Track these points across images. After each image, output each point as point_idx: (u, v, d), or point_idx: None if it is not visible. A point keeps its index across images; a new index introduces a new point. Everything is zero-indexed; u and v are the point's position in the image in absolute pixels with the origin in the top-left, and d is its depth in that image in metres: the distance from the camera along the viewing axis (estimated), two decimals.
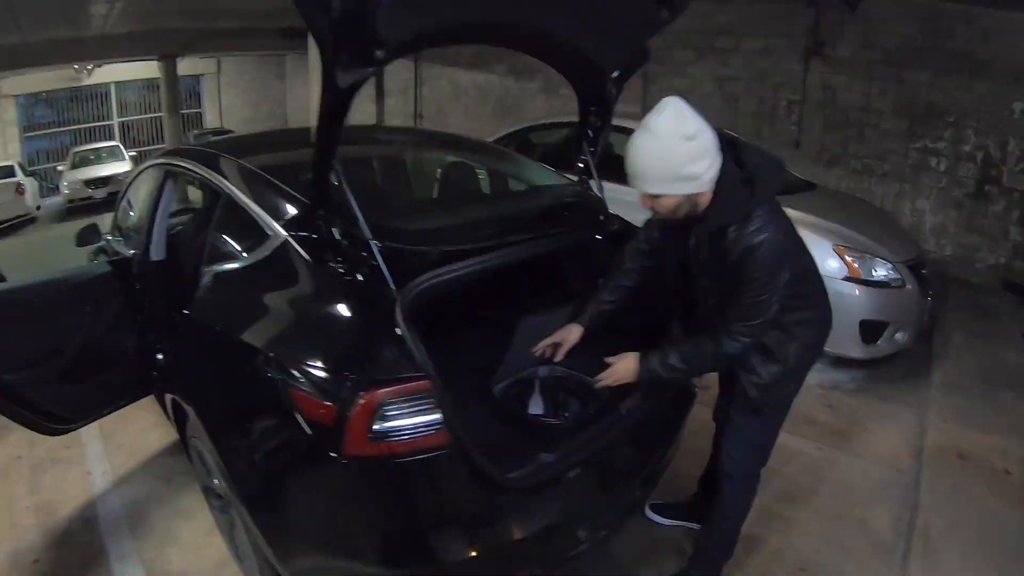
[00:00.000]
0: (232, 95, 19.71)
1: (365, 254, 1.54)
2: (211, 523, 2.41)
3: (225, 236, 2.02)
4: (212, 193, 2.30)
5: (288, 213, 1.77)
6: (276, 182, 1.89)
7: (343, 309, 1.55)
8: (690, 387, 2.14)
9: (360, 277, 1.55)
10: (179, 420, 2.24)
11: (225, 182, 2.01)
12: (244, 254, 1.89)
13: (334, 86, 1.37)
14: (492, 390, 2.05)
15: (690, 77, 7.91)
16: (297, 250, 1.68)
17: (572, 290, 2.33)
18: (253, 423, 1.69)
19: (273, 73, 19.73)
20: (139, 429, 3.20)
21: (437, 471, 1.47)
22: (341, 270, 1.59)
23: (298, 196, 1.79)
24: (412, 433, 1.40)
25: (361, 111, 13.69)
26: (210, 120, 19.92)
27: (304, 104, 17.51)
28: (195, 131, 16.81)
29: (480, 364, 2.11)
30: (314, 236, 1.67)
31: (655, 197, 1.58)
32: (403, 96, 12.84)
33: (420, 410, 1.41)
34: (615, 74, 2.09)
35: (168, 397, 2.23)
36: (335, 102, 1.42)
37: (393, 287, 1.50)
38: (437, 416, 1.42)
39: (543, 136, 5.25)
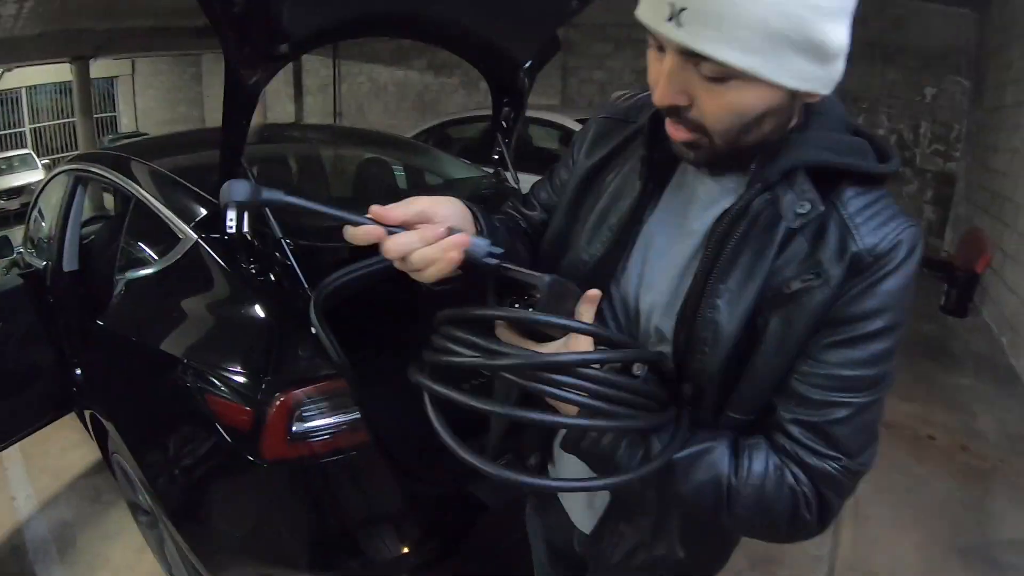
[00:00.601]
0: (148, 97, 18.97)
1: (278, 254, 1.52)
2: (141, 541, 2.33)
3: (137, 241, 1.96)
4: (123, 198, 2.22)
5: (198, 214, 1.73)
6: (185, 183, 1.84)
7: (257, 310, 1.52)
8: None
9: (272, 277, 1.53)
10: (100, 436, 2.16)
11: (135, 186, 1.94)
12: (156, 259, 1.84)
13: (238, 82, 1.35)
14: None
15: (608, 70, 8.06)
16: (209, 252, 1.65)
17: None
18: (173, 434, 1.64)
19: (189, 74, 19.04)
20: (61, 448, 3.08)
21: (359, 469, 1.46)
22: (253, 271, 1.56)
23: (208, 197, 1.75)
24: (331, 432, 1.39)
25: (280, 110, 13.45)
26: (126, 124, 19.08)
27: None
28: (110, 136, 16.09)
29: (401, 358, 2.11)
30: (224, 237, 1.64)
31: (718, 81, 0.60)
32: (322, 94, 12.74)
33: (338, 409, 1.40)
34: (526, 64, 2.09)
35: (87, 413, 2.15)
36: (240, 99, 1.39)
37: (306, 285, 1.48)
38: (355, 415, 1.41)
39: (461, 131, 5.30)
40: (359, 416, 1.42)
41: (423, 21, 1.83)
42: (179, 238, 1.72)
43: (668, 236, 0.77)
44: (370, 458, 1.45)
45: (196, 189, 1.81)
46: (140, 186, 1.93)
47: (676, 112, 0.65)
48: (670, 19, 0.58)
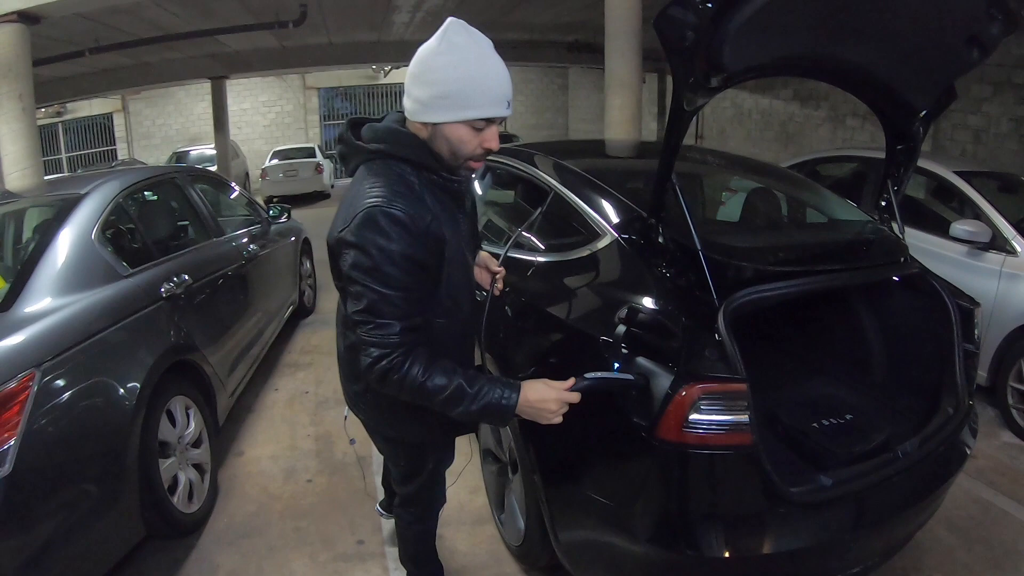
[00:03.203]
0: (517, 102, 21.30)
1: (690, 263, 1.71)
2: (477, 483, 2.71)
3: (547, 230, 2.32)
4: (528, 191, 2.63)
5: (617, 216, 2.01)
6: (605, 187, 2.15)
7: (672, 309, 1.71)
8: (962, 446, 2.01)
9: (686, 283, 1.73)
10: None
11: (555, 183, 2.32)
12: (569, 248, 2.16)
13: (680, 108, 1.57)
14: (772, 403, 2.10)
15: (985, 115, 6.96)
16: (627, 250, 1.91)
17: (858, 323, 2.33)
18: None
19: (557, 84, 21.07)
20: None
21: (731, 468, 1.58)
22: (667, 274, 1.78)
23: (627, 201, 2.03)
24: (721, 429, 1.53)
25: (643, 127, 14.14)
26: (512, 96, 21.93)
27: (587, 115, 18.42)
28: None
29: (766, 378, 2.17)
30: (641, 240, 1.88)
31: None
32: None
33: (732, 409, 1.53)
34: (923, 113, 2.06)
35: None
36: (679, 121, 1.61)
37: (715, 296, 1.64)
38: (745, 418, 1.53)
39: (831, 169, 5.05)
40: (748, 420, 1.53)
41: (838, 65, 1.90)
42: (598, 234, 2.01)
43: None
44: (746, 460, 1.56)
45: (616, 193, 2.10)
46: (561, 184, 2.29)
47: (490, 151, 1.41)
48: (507, 107, 1.37)
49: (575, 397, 1.43)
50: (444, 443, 1.79)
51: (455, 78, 1.31)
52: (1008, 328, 3.30)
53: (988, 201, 3.63)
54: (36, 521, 1.80)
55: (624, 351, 1.66)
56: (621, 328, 1.66)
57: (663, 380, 1.55)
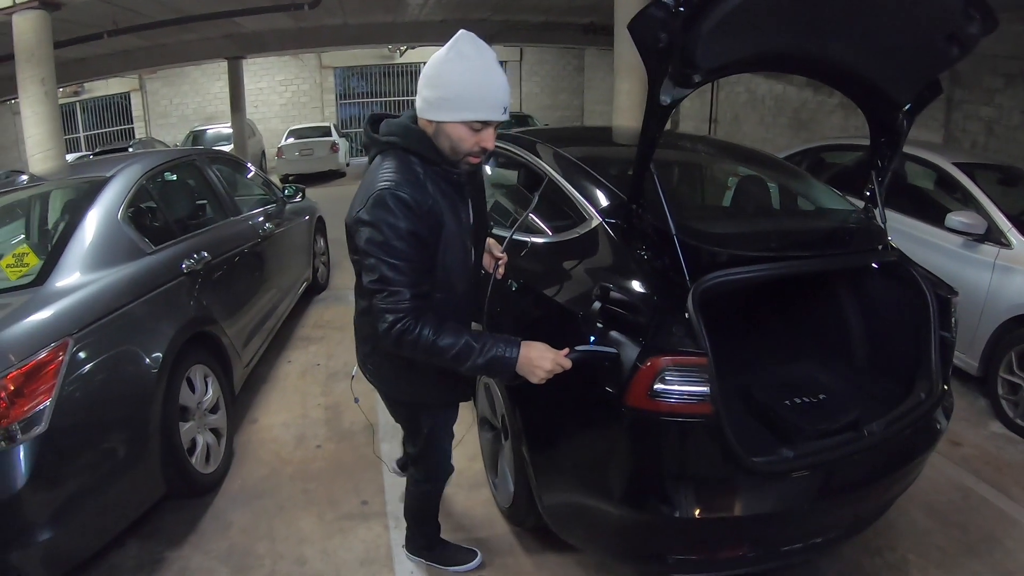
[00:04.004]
0: (532, 83, 21.22)
1: (667, 246, 1.84)
2: (475, 451, 2.87)
3: (540, 213, 2.46)
4: (527, 175, 2.77)
5: (603, 202, 2.14)
6: (594, 174, 2.29)
7: (644, 288, 1.85)
8: (934, 427, 2.12)
9: (661, 265, 1.87)
10: None
11: (549, 169, 2.46)
12: (557, 230, 2.31)
13: (656, 103, 1.69)
14: (750, 381, 2.24)
15: (997, 107, 6.91)
16: (611, 234, 2.04)
17: (840, 308, 2.43)
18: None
19: (572, 65, 20.92)
20: None
21: (694, 435, 1.72)
22: (645, 256, 1.91)
23: (612, 188, 2.16)
24: (683, 398, 1.67)
25: None
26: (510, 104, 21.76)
27: (603, 97, 18.11)
28: None
29: (744, 358, 2.31)
30: (624, 225, 2.01)
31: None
32: (699, 99, 12.94)
33: (693, 381, 1.67)
34: (906, 107, 2.14)
35: None
36: (656, 116, 1.74)
37: (688, 278, 1.77)
38: (707, 389, 1.67)
39: (836, 157, 5.12)
40: (708, 391, 1.67)
41: (814, 61, 2.00)
42: (585, 218, 2.14)
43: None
44: (708, 429, 1.70)
45: (603, 180, 2.22)
46: (555, 170, 2.42)
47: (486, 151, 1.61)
48: (504, 112, 1.56)
49: (568, 363, 1.60)
50: (439, 408, 1.93)
51: (459, 83, 1.51)
52: (1000, 320, 3.37)
53: (985, 193, 3.67)
54: (67, 476, 1.99)
55: (599, 325, 1.80)
56: (596, 304, 1.79)
57: (632, 352, 1.70)
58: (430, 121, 1.57)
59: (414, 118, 1.63)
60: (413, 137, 1.59)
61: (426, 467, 2.05)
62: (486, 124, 1.56)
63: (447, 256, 1.65)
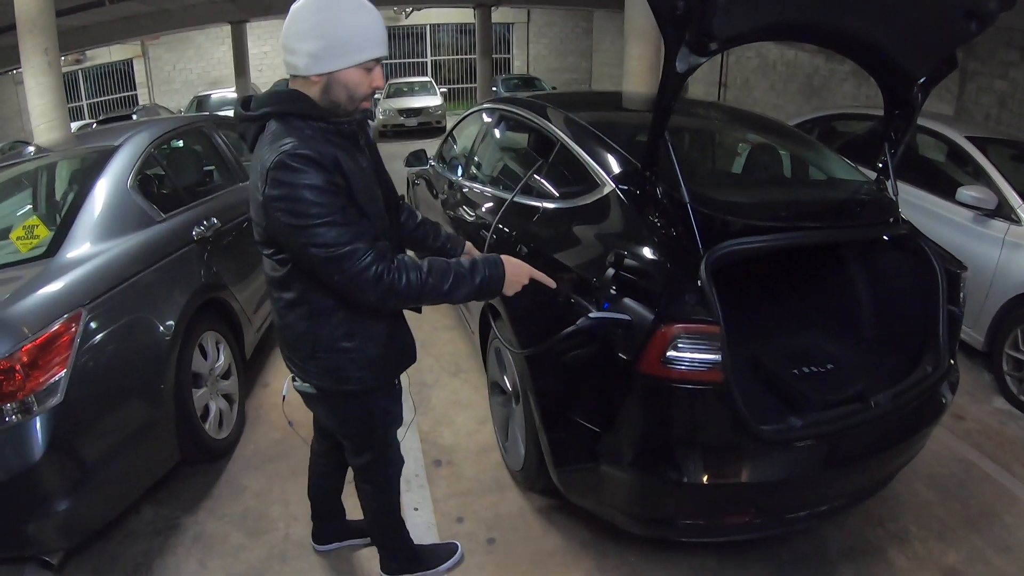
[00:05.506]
0: (540, 45, 21.10)
1: (680, 214, 1.84)
2: (485, 414, 2.91)
3: (551, 178, 2.45)
4: (539, 141, 2.75)
5: (617, 168, 2.14)
6: (607, 140, 2.28)
7: (658, 255, 1.86)
8: (939, 400, 2.14)
9: (674, 232, 1.87)
10: (483, 325, 2.76)
11: (562, 134, 2.45)
12: (571, 196, 2.31)
13: (672, 71, 1.68)
14: (758, 349, 2.25)
15: (1012, 81, 6.81)
16: (624, 201, 2.04)
17: (848, 279, 2.44)
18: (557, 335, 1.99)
19: (580, 28, 20.75)
20: (432, 328, 3.92)
21: (705, 403, 1.74)
22: (658, 224, 1.91)
23: (625, 154, 2.15)
24: (696, 366, 1.69)
25: None
26: (518, 66, 21.57)
27: (611, 60, 17.96)
28: (503, 75, 17.99)
29: (752, 325, 2.31)
30: (637, 192, 2.01)
31: None
32: (709, 64, 12.65)
33: (706, 349, 1.69)
34: (921, 80, 2.12)
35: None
36: (671, 83, 1.73)
37: (701, 246, 1.78)
38: (718, 357, 1.69)
39: (848, 126, 5.06)
40: (719, 359, 1.69)
41: (831, 32, 1.98)
42: (598, 184, 2.14)
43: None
44: (719, 396, 1.72)
45: (615, 146, 2.22)
46: (568, 136, 2.41)
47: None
48: (386, 46, 1.51)
49: (551, 282, 1.69)
50: (391, 382, 1.79)
51: (344, 27, 1.42)
52: (1007, 296, 3.36)
53: (997, 168, 3.63)
54: (83, 446, 2.02)
55: (613, 292, 1.81)
56: (610, 271, 1.80)
57: (646, 319, 1.71)
58: (320, 76, 1.46)
59: (285, 85, 1.55)
60: (287, 99, 1.48)
61: (385, 471, 1.92)
62: (376, 62, 1.50)
63: (361, 201, 1.51)
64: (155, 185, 2.98)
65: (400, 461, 1.97)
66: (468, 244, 1.99)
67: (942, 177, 4.06)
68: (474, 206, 3.14)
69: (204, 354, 2.71)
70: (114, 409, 2.16)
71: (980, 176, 3.72)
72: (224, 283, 2.95)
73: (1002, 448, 2.95)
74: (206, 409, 2.69)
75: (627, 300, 1.78)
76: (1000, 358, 3.42)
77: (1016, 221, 3.42)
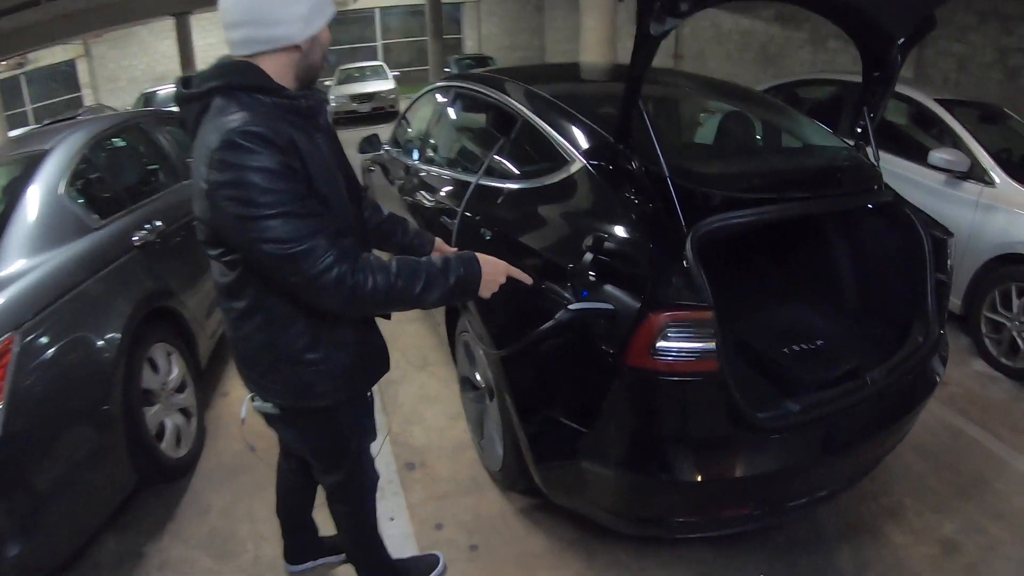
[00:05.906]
0: (491, 23, 20.81)
1: (659, 189, 1.70)
2: (457, 410, 2.76)
3: (514, 157, 2.30)
4: (498, 117, 2.57)
5: (586, 143, 1.99)
6: (575, 114, 2.13)
7: (639, 235, 1.71)
8: (932, 374, 2.06)
9: (653, 209, 1.72)
10: (450, 316, 2.60)
11: (524, 110, 2.28)
12: (537, 175, 2.15)
13: (646, 34, 1.55)
14: (743, 329, 2.15)
15: (969, 44, 6.87)
16: (596, 177, 1.89)
17: (830, 249, 2.35)
18: (533, 327, 1.80)
19: (532, 4, 20.51)
20: (397, 321, 3.75)
21: (699, 394, 1.61)
22: (636, 201, 1.77)
23: (596, 128, 2.00)
24: (688, 356, 1.55)
25: (621, 46, 13.77)
26: (470, 46, 21.25)
27: (565, 36, 17.79)
28: (455, 56, 17.62)
29: (734, 303, 2.19)
30: (610, 167, 1.87)
31: None
32: None
33: (699, 337, 1.55)
34: (900, 40, 2.04)
35: None
36: (645, 48, 1.60)
37: (684, 223, 1.64)
38: (712, 345, 1.55)
39: (811, 91, 4.97)
40: (714, 347, 1.56)
41: None
42: (567, 161, 1.99)
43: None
44: (713, 387, 1.59)
45: (583, 118, 2.07)
46: (531, 111, 2.25)
47: None
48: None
49: (528, 279, 1.54)
50: (360, 400, 1.62)
51: None
52: (983, 259, 3.34)
53: (967, 131, 3.60)
54: (30, 479, 1.83)
55: (592, 279, 1.67)
56: (588, 256, 1.66)
57: (630, 307, 1.57)
58: (307, 40, 1.30)
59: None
60: (240, 71, 1.26)
61: (359, 489, 1.74)
62: None
63: (322, 189, 1.31)
64: (91, 189, 2.75)
65: (375, 476, 1.79)
66: (438, 240, 1.81)
67: (911, 141, 4.03)
68: (432, 190, 2.94)
69: (155, 368, 2.51)
70: (59, 438, 1.96)
71: (950, 138, 3.69)
72: (172, 289, 2.74)
73: (986, 412, 2.93)
74: (161, 427, 2.49)
75: (608, 287, 1.64)
76: (978, 321, 3.41)
77: (989, 183, 3.40)
